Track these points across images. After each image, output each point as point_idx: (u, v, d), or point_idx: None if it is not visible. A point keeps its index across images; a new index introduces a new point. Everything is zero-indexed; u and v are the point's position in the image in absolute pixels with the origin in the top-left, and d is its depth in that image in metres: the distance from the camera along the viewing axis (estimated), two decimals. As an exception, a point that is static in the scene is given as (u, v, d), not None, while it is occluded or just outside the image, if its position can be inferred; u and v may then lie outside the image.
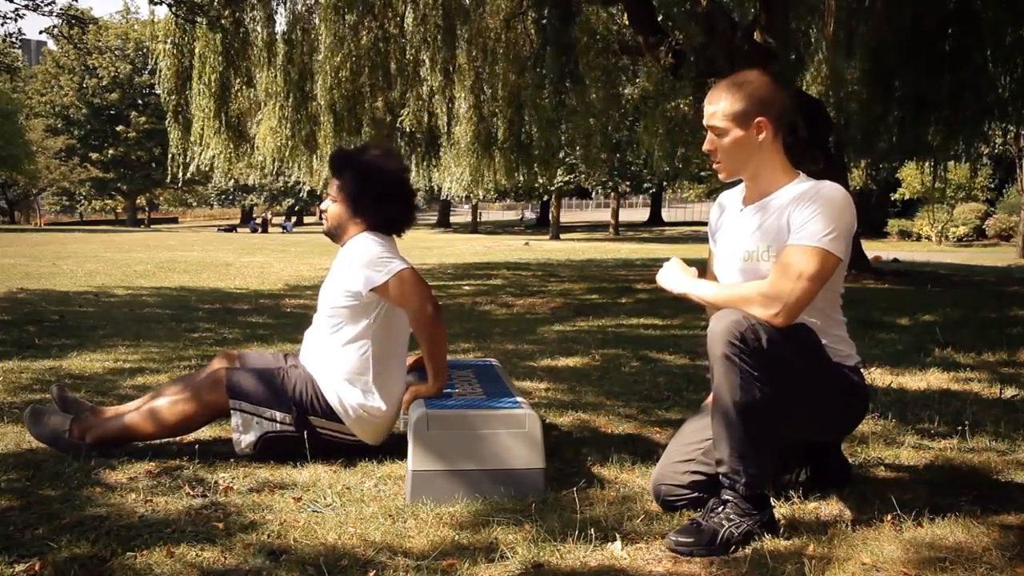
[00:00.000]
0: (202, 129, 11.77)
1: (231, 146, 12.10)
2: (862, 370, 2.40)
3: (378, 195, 2.79)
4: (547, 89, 10.83)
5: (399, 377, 2.83)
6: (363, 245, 2.73)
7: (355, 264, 2.70)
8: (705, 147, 2.29)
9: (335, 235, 2.86)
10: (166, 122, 12.48)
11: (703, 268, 2.43)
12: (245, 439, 2.69)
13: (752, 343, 2.02)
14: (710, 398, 2.43)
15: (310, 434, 2.70)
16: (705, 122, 2.26)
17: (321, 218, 2.96)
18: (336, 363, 2.74)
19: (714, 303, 2.22)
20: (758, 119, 2.20)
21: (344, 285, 2.73)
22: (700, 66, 9.63)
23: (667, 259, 2.41)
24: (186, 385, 2.78)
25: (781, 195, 2.22)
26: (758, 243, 2.23)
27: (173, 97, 11.82)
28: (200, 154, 12.11)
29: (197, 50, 11.24)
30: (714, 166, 2.30)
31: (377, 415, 2.74)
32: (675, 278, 2.32)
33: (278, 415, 2.69)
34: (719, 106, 2.22)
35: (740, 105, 2.20)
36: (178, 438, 2.87)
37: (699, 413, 2.43)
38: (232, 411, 2.68)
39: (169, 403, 2.71)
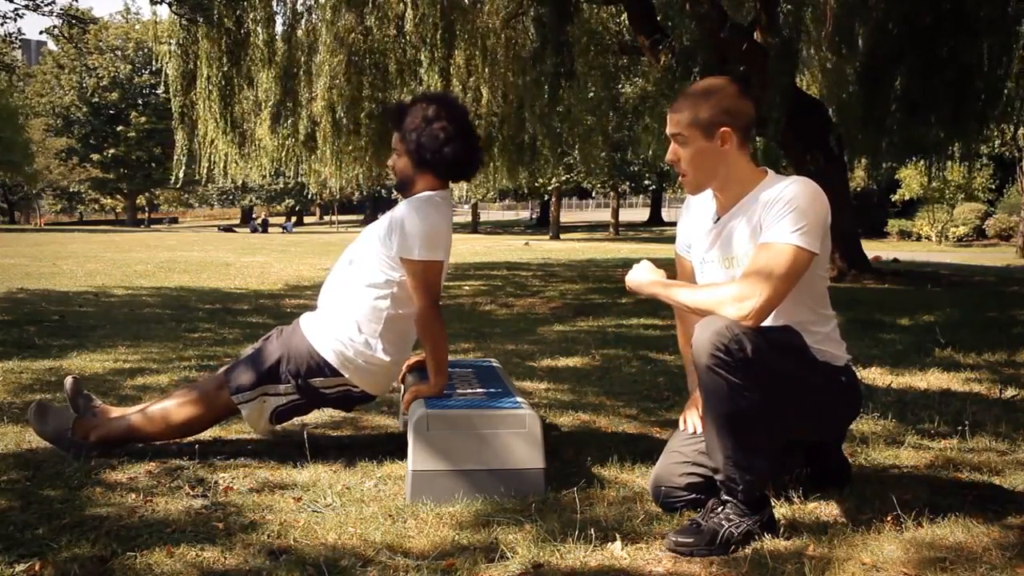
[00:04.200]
0: (209, 131, 11.77)
1: (236, 147, 12.10)
2: (859, 369, 2.39)
3: (439, 142, 2.71)
4: (546, 89, 10.82)
5: (407, 336, 2.79)
6: (424, 213, 2.67)
7: (404, 223, 2.65)
8: (668, 157, 2.21)
9: (403, 188, 2.80)
10: (172, 124, 12.46)
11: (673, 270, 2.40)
12: (261, 424, 2.72)
13: (737, 353, 1.99)
14: (692, 401, 2.44)
15: (315, 396, 2.71)
16: (668, 131, 2.19)
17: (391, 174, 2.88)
18: (352, 303, 2.71)
19: (684, 305, 2.18)
20: (723, 129, 2.15)
21: (387, 235, 2.68)
22: (699, 66, 9.63)
23: (638, 260, 2.36)
24: (192, 387, 2.79)
25: (752, 198, 2.18)
26: (735, 250, 2.20)
27: (179, 98, 11.81)
28: (208, 156, 12.11)
29: (202, 51, 11.23)
30: (680, 179, 2.25)
31: (377, 365, 2.72)
32: (644, 279, 2.26)
33: (280, 388, 2.69)
34: (682, 115, 2.16)
35: (705, 114, 2.14)
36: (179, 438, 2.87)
37: None
38: (239, 406, 2.68)
39: (175, 404, 2.71)
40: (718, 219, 2.27)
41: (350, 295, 2.73)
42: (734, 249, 2.21)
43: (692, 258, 2.38)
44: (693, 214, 2.39)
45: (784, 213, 2.08)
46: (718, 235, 2.25)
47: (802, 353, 2.16)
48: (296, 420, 3.06)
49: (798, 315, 2.18)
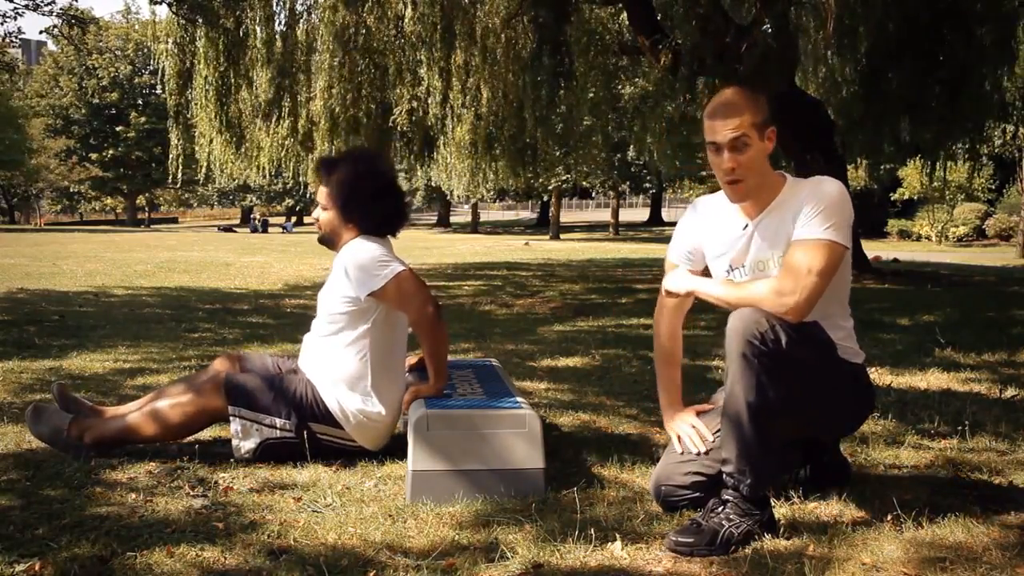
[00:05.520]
0: (206, 130, 11.77)
1: (234, 147, 12.10)
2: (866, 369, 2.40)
3: (367, 197, 2.78)
4: (544, 89, 10.82)
5: (398, 381, 2.83)
6: (359, 249, 2.73)
7: (352, 269, 2.70)
8: (726, 166, 2.15)
9: (330, 242, 2.86)
10: (168, 123, 12.47)
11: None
12: (245, 445, 2.69)
13: (771, 344, 2.00)
14: (716, 396, 2.43)
15: (310, 440, 2.70)
16: (724, 137, 2.14)
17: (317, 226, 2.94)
18: (334, 367, 2.74)
19: (724, 301, 2.19)
20: (770, 129, 2.18)
21: (342, 290, 2.73)
22: (699, 66, 9.63)
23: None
24: (188, 387, 2.78)
25: (783, 201, 2.20)
26: (768, 252, 2.21)
27: (175, 97, 11.81)
28: (205, 156, 12.12)
29: (199, 50, 11.23)
30: (732, 186, 2.19)
31: (377, 420, 2.74)
32: (682, 277, 2.30)
33: (278, 421, 2.69)
34: (744, 117, 2.13)
35: (760, 116, 2.15)
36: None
37: (708, 408, 2.42)
38: (231, 417, 2.68)
39: (170, 405, 2.71)
40: (746, 225, 2.25)
41: (332, 359, 2.75)
42: (764, 253, 2.22)
43: (717, 265, 2.34)
44: (708, 221, 2.36)
45: (816, 211, 2.11)
46: (750, 240, 2.24)
47: (830, 350, 2.19)
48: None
49: (829, 310, 2.20)
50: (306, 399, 2.72)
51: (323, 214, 2.84)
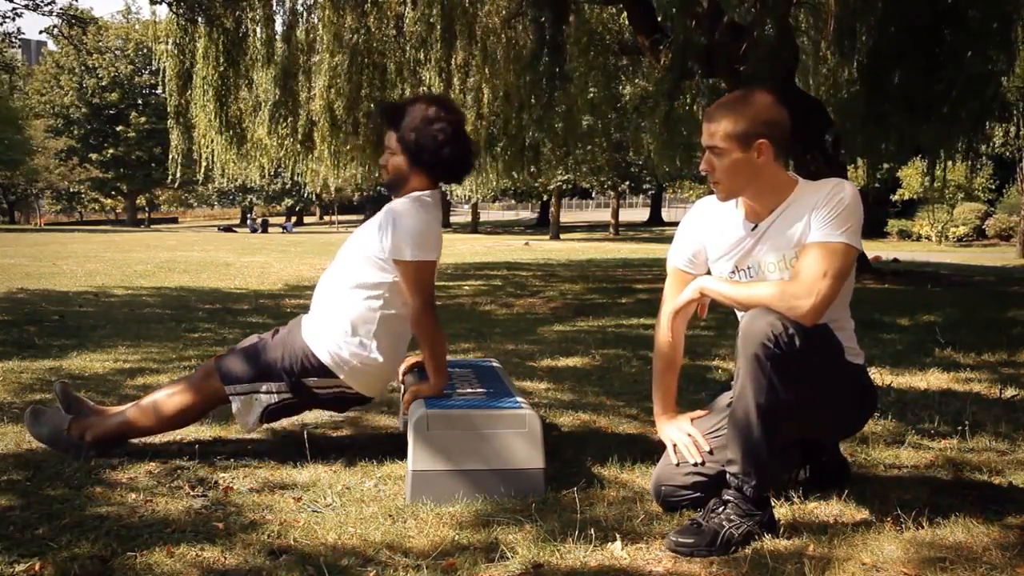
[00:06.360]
0: (205, 130, 11.79)
1: (234, 147, 12.11)
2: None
3: (438, 142, 2.73)
4: (544, 89, 10.84)
5: (401, 339, 2.80)
6: (413, 212, 2.69)
7: (394, 226, 2.66)
8: (702, 167, 2.21)
9: (395, 187, 2.80)
10: (168, 123, 12.50)
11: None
12: (250, 419, 2.70)
13: (785, 346, 1.99)
14: (719, 399, 2.43)
15: (308, 396, 2.71)
16: (704, 142, 2.19)
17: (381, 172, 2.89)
18: (344, 306, 2.71)
19: (735, 301, 2.18)
20: (759, 141, 2.14)
21: (378, 237, 2.70)
22: (699, 66, 9.63)
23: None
24: (183, 380, 2.81)
25: (793, 204, 2.19)
26: (773, 255, 2.20)
27: (175, 97, 11.83)
28: (205, 156, 12.13)
29: (199, 50, 11.25)
30: (712, 186, 2.24)
31: (371, 365, 2.71)
32: (688, 288, 2.26)
33: (273, 387, 2.69)
34: (719, 126, 2.14)
35: (742, 126, 2.13)
36: (179, 438, 2.87)
37: (703, 415, 2.41)
38: (231, 397, 2.69)
39: (166, 396, 2.72)
40: (755, 227, 2.24)
41: (342, 297, 2.73)
42: (772, 256, 2.21)
43: (720, 267, 2.33)
44: (711, 222, 2.35)
45: (834, 214, 2.11)
46: (757, 242, 2.24)
47: (840, 353, 2.19)
48: (296, 420, 3.07)
49: (836, 312, 2.20)
50: (296, 358, 2.69)
51: (391, 159, 2.79)
